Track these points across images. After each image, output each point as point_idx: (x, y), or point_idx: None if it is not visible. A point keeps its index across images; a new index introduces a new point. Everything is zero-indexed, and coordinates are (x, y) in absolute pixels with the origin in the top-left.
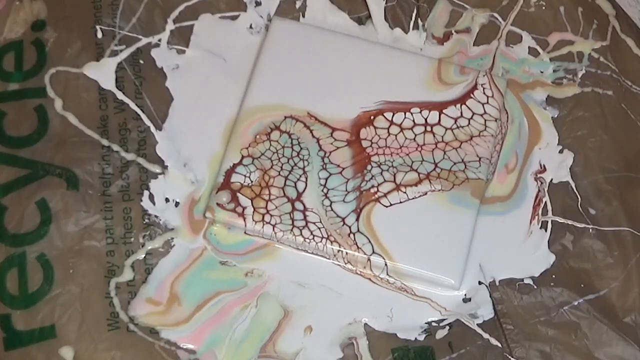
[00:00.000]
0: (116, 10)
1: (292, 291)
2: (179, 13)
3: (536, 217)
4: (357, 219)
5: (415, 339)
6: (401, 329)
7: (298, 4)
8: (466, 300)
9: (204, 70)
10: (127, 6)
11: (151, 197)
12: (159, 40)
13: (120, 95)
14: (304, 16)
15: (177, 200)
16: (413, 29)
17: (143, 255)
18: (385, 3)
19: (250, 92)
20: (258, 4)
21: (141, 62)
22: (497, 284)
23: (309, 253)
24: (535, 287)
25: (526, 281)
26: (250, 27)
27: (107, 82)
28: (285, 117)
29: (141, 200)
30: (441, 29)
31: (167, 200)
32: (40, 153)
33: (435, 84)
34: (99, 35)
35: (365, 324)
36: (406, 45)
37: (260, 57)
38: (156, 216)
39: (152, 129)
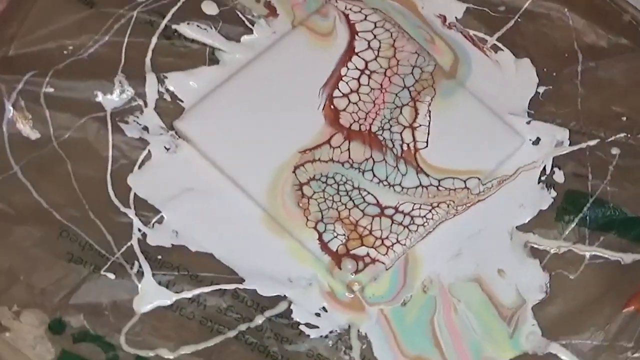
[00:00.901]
0: None
1: (459, 266)
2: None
3: (483, 48)
4: (427, 175)
5: (554, 199)
6: (536, 203)
7: (167, 97)
8: (535, 142)
9: (194, 214)
10: None
11: (309, 325)
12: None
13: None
14: (182, 101)
15: (322, 306)
16: (252, 26)
17: None
18: (217, 30)
19: (249, 191)
20: (145, 129)
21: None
22: (534, 112)
23: (433, 231)
24: (552, 86)
25: (542, 90)
26: (167, 149)
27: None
28: (294, 171)
29: (308, 336)
30: (256, 4)
31: (317, 314)
32: None
33: (324, 42)
34: None
35: (516, 228)
36: (266, 40)
37: (215, 161)
38: (330, 331)
39: (236, 285)
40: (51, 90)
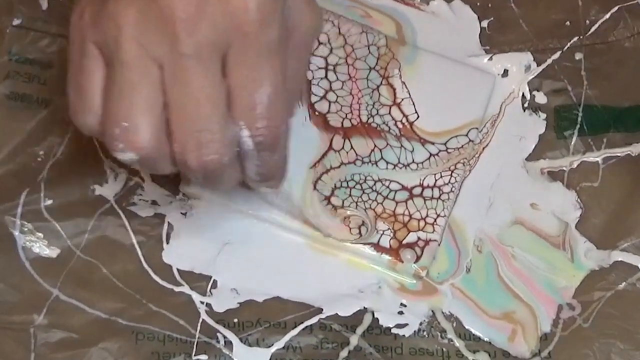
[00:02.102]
0: None
1: (496, 216)
2: None
3: (415, 5)
4: (432, 143)
5: (546, 120)
6: (532, 130)
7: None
8: (504, 74)
9: (241, 265)
10: None
11: (399, 326)
12: None
13: None
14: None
15: (400, 303)
16: None
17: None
18: None
19: (282, 223)
20: (154, 203)
21: None
22: (489, 47)
23: (460, 193)
24: (492, 17)
25: (485, 24)
26: (184, 214)
27: None
28: (315, 188)
29: (403, 336)
30: None
31: (400, 312)
32: None
33: None
34: None
35: (526, 160)
36: None
37: (236, 206)
38: (420, 323)
39: (318, 316)
40: (50, 202)
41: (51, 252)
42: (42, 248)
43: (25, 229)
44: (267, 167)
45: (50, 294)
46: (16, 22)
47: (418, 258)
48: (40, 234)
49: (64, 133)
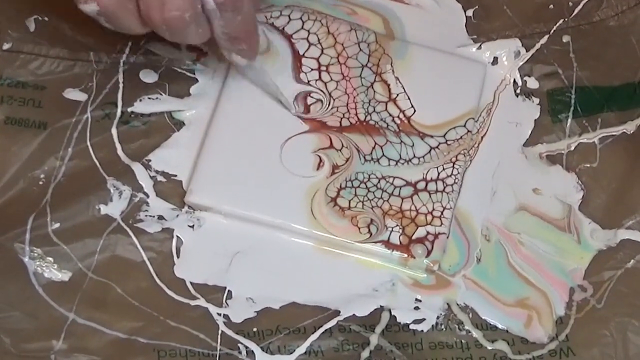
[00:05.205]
0: None
1: (500, 204)
2: None
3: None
4: (432, 136)
5: (539, 105)
6: (527, 116)
7: (161, 178)
8: (494, 62)
9: (254, 274)
10: None
11: (417, 322)
12: None
13: None
14: (176, 175)
15: (415, 298)
16: (193, 74)
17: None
18: (167, 94)
19: (292, 228)
20: (161, 217)
21: None
22: (477, 36)
23: (463, 184)
24: (477, 6)
25: (471, 13)
26: (192, 227)
27: None
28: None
29: (422, 331)
30: (181, 53)
31: (416, 308)
32: None
33: (268, 59)
34: None
35: (523, 146)
36: (212, 82)
37: (243, 215)
38: (437, 317)
39: (336, 319)
40: (57, 225)
41: (63, 275)
42: (53, 272)
43: (35, 255)
44: (232, 27)
45: (66, 318)
46: (6, 46)
47: (429, 252)
48: (50, 259)
49: (62, 154)
